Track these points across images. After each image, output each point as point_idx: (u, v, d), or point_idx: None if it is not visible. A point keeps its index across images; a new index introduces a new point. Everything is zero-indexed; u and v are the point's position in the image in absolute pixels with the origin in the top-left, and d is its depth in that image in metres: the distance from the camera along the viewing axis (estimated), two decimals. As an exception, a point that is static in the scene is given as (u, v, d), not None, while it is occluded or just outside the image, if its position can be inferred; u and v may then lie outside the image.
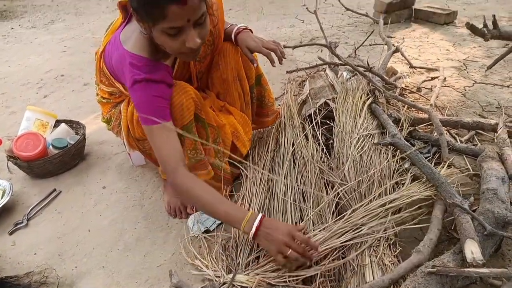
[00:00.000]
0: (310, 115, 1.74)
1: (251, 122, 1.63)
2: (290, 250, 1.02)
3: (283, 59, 1.46)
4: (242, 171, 1.55)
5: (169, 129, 1.17)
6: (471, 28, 1.65)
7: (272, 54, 1.45)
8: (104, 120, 1.58)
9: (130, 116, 1.35)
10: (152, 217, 1.60)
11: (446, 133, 1.64)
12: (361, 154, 1.40)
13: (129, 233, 1.53)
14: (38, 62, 3.65)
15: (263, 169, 1.53)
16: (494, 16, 1.66)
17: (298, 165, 1.43)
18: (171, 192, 1.57)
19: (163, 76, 1.19)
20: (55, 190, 1.83)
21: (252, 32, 1.50)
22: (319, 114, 1.66)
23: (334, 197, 1.28)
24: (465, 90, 2.19)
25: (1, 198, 1.72)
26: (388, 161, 1.39)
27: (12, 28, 5.01)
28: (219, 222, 1.47)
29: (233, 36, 1.47)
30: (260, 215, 1.08)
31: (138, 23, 1.12)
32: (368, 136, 1.49)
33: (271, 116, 1.72)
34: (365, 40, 2.61)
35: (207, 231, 1.45)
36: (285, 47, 2.04)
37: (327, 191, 1.35)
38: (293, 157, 1.49)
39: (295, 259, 1.03)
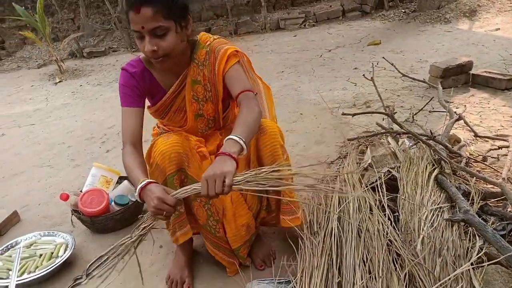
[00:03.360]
0: (371, 184, 1.69)
1: (252, 212, 1.56)
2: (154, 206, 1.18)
3: None
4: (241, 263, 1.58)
5: (130, 113, 1.44)
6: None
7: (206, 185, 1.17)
8: None
9: (147, 156, 1.49)
10: (209, 282, 1.57)
11: (522, 210, 1.53)
12: (431, 230, 1.32)
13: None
14: (102, 117, 3.91)
15: (323, 240, 1.48)
16: None
17: (364, 238, 1.37)
18: (174, 265, 1.64)
19: (140, 73, 1.46)
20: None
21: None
22: (382, 184, 1.61)
23: (405, 277, 1.20)
24: (537, 161, 2.06)
25: (64, 252, 1.77)
26: (461, 239, 1.30)
27: (81, 85, 5.46)
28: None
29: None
30: (146, 181, 1.23)
31: None
32: (438, 210, 1.42)
33: (288, 216, 1.53)
34: (424, 106, 2.57)
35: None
36: (343, 114, 2.07)
37: (395, 268, 1.27)
38: (358, 229, 1.43)
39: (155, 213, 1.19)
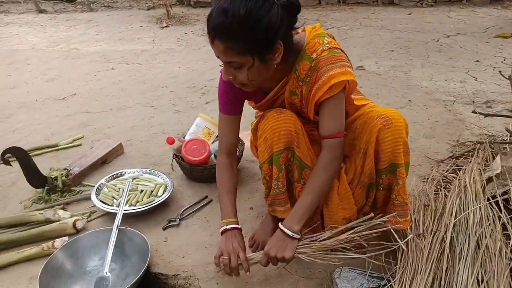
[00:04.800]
0: (494, 196, 1.51)
1: (357, 206, 1.44)
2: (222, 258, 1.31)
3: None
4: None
5: (227, 120, 1.48)
6: None
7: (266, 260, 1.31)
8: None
9: (254, 127, 1.48)
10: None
11: None
12: None
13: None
14: (204, 68, 3.99)
15: (430, 245, 1.36)
16: None
17: (482, 256, 1.23)
18: (260, 228, 1.64)
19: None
20: (207, 197, 1.92)
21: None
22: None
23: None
24: None
25: (163, 193, 1.86)
26: None
27: (186, 33, 5.61)
28: (366, 287, 1.36)
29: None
30: (226, 227, 1.37)
31: None
32: None
33: (396, 217, 1.38)
34: None
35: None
36: (474, 112, 1.85)
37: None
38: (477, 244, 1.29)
39: (222, 266, 1.32)
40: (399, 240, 1.27)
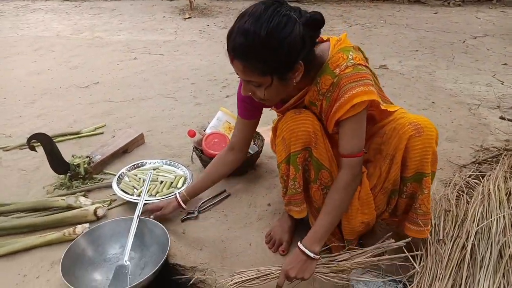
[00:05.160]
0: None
1: (376, 212, 1.42)
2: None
3: None
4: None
5: (244, 124, 1.53)
6: None
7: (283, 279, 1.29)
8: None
9: (274, 125, 1.47)
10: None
11: None
12: None
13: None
14: (225, 61, 3.96)
15: (450, 251, 1.34)
16: None
17: (505, 267, 1.21)
18: (278, 225, 1.65)
19: None
20: (225, 191, 1.93)
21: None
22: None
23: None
24: None
25: (182, 185, 1.88)
26: None
27: (208, 25, 5.62)
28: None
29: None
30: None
31: None
32: None
33: (417, 227, 1.36)
34: None
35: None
36: (502, 118, 1.81)
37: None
38: (499, 253, 1.27)
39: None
40: (421, 245, 1.26)
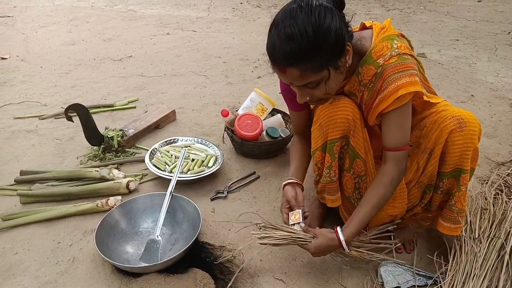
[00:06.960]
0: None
1: (408, 205, 1.39)
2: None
3: None
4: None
5: (297, 116, 1.52)
6: None
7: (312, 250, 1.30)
8: None
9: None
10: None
11: None
12: None
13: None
14: (258, 41, 3.94)
15: (486, 251, 1.30)
16: None
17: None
18: (308, 210, 1.60)
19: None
20: (254, 173, 1.92)
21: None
22: None
23: None
24: None
25: (213, 164, 1.89)
26: None
27: (241, 3, 5.55)
28: (412, 284, 1.34)
29: None
30: (283, 183, 1.45)
31: None
32: None
33: (450, 224, 1.32)
34: None
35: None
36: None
37: None
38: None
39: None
40: (454, 242, 1.23)
